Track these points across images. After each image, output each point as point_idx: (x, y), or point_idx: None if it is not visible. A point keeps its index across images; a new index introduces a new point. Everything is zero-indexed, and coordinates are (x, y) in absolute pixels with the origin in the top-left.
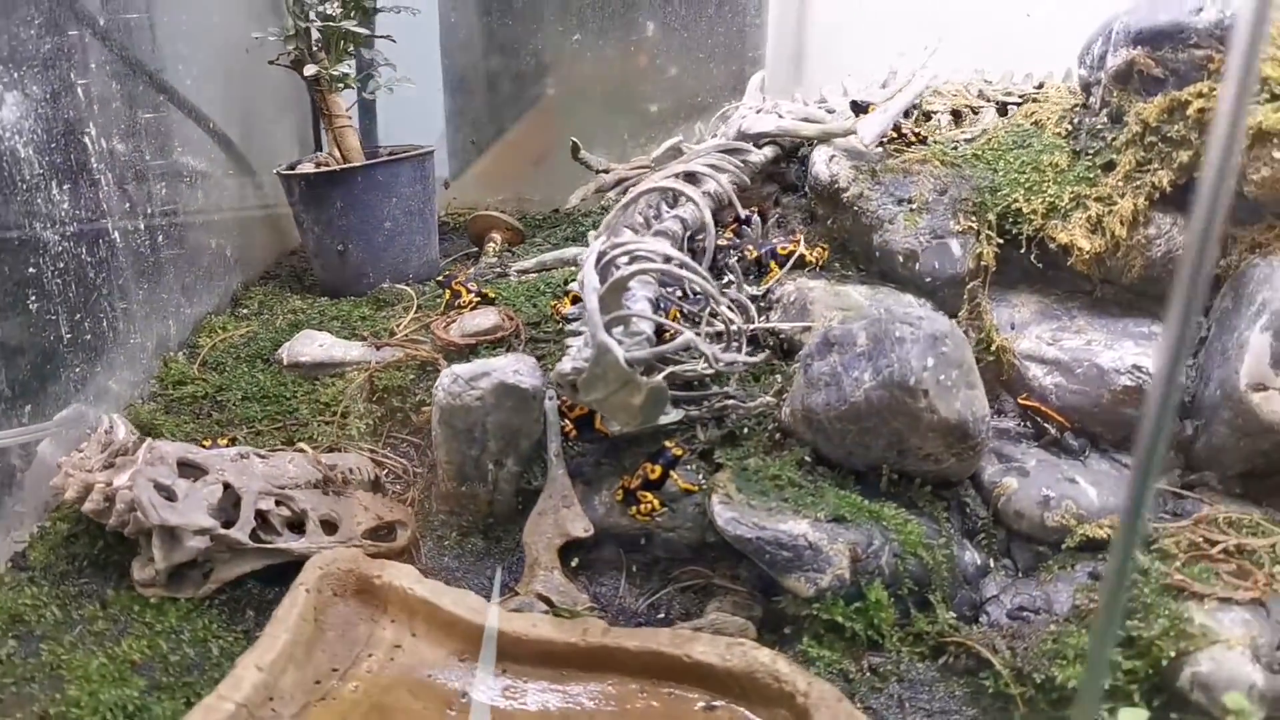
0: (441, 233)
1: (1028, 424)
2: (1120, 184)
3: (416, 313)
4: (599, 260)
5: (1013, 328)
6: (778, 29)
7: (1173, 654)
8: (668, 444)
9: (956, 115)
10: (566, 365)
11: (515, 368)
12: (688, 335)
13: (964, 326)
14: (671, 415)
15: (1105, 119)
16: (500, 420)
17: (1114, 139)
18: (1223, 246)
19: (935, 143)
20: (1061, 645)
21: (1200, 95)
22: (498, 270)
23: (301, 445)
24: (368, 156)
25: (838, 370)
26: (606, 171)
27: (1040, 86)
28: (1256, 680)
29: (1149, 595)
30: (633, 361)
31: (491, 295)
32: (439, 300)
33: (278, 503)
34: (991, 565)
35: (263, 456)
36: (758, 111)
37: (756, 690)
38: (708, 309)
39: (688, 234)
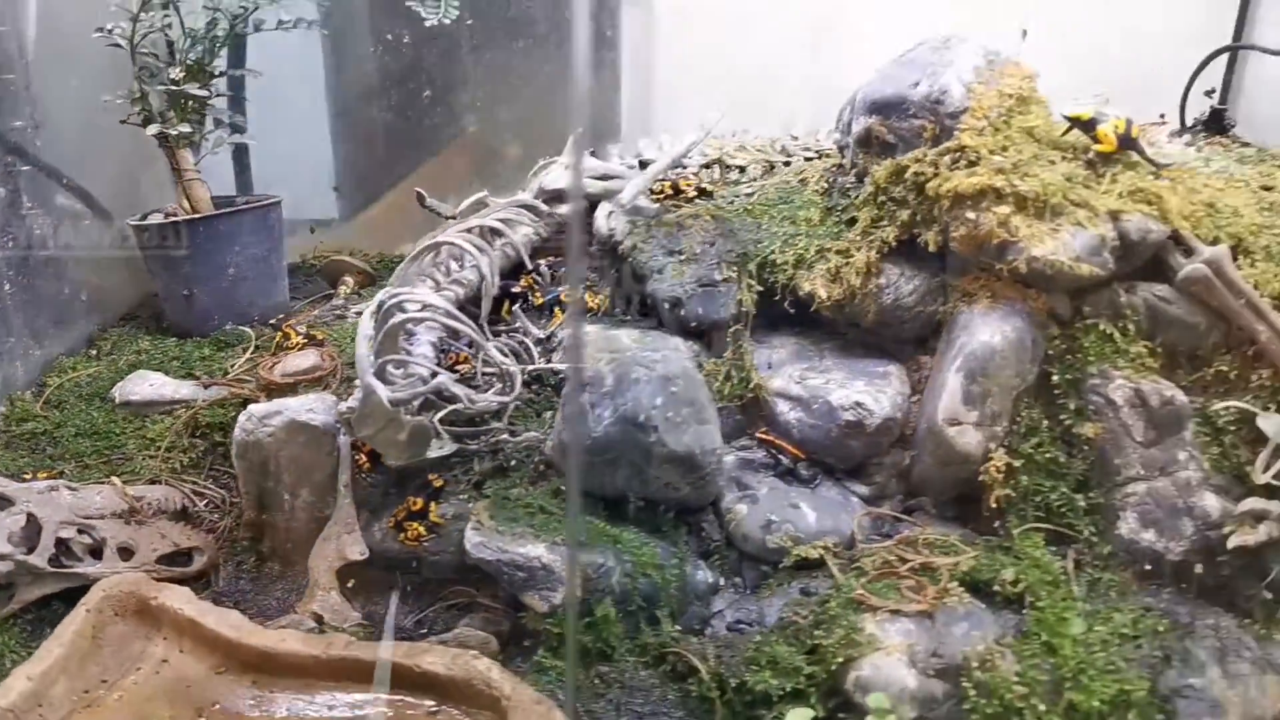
0: (306, 276)
1: (769, 455)
2: (858, 238)
3: (253, 354)
4: (379, 309)
5: (769, 367)
6: (630, 82)
7: (841, 660)
8: (431, 477)
9: (741, 169)
10: (343, 405)
11: (310, 406)
12: (442, 377)
13: (728, 366)
14: (444, 449)
15: (854, 178)
16: (293, 454)
17: (857, 197)
18: (944, 294)
19: (720, 196)
20: (758, 654)
21: (916, 161)
22: (337, 312)
23: (113, 479)
24: (221, 206)
25: (587, 407)
26: (453, 218)
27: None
28: (909, 683)
29: (835, 609)
30: (396, 401)
31: (320, 336)
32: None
33: (79, 531)
34: (722, 584)
35: (72, 489)
36: (566, 167)
37: (474, 695)
38: (480, 353)
39: (485, 282)
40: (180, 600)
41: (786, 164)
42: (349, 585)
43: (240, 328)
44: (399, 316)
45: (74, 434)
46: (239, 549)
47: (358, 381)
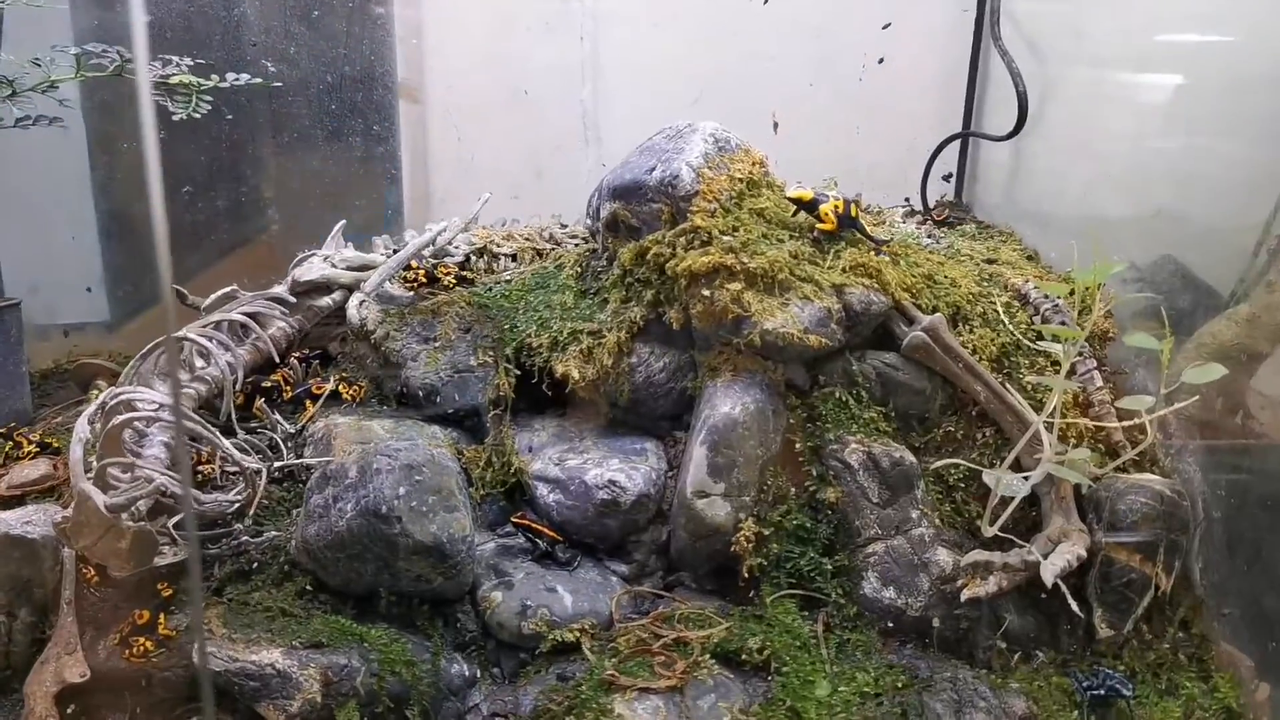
0: (61, 381)
1: (527, 539)
2: (609, 319)
3: None
4: (100, 409)
5: (530, 450)
6: (409, 168)
7: None
8: (160, 586)
9: (512, 257)
10: (58, 514)
11: (28, 518)
12: (163, 479)
13: (489, 451)
14: (178, 555)
15: (605, 261)
16: (9, 571)
17: (608, 280)
18: (694, 370)
19: (481, 284)
20: None
21: (656, 243)
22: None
23: None
24: None
25: (329, 501)
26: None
27: None
28: None
29: (586, 692)
30: (114, 507)
31: (56, 444)
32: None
33: None
34: (479, 675)
35: None
36: (324, 259)
37: None
38: (218, 452)
39: (235, 378)
40: None
41: (554, 251)
42: (69, 711)
43: None
44: (122, 416)
45: None
46: None
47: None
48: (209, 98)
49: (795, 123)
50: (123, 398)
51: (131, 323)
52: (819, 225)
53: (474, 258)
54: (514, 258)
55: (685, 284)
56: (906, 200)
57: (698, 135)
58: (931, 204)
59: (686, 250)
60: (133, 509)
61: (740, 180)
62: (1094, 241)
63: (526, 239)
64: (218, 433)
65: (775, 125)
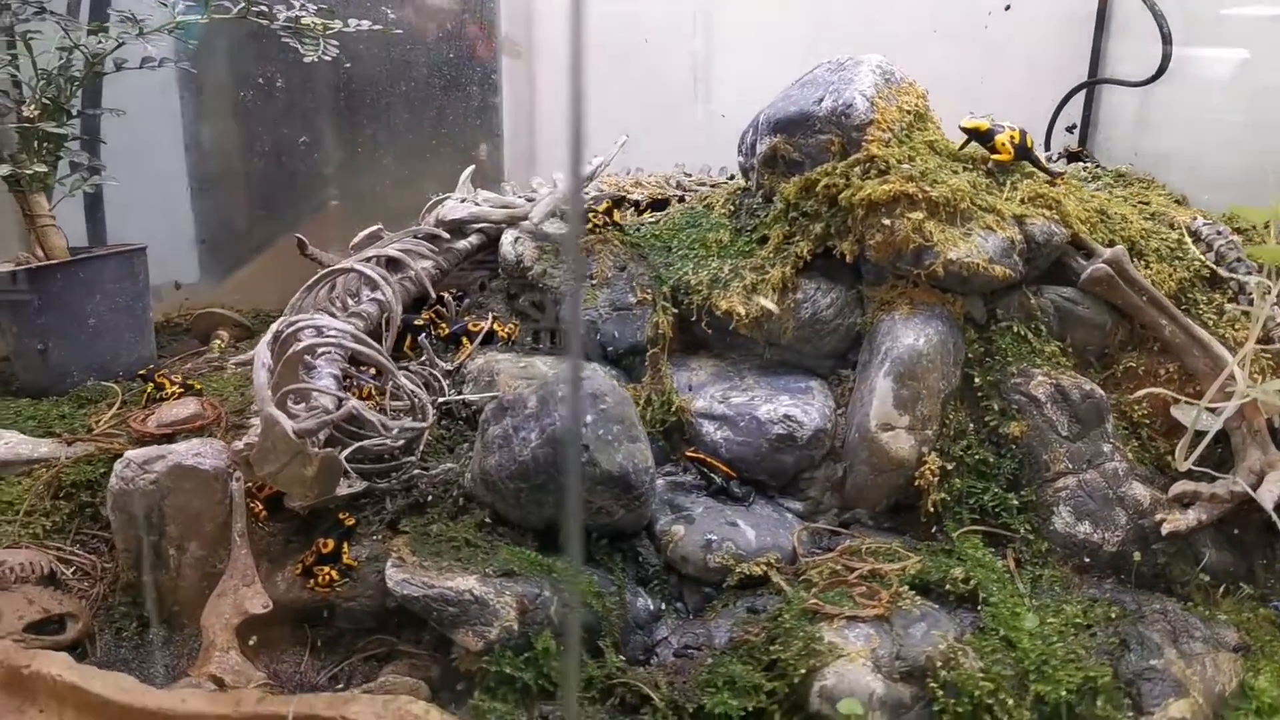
0: (174, 334)
1: (699, 475)
2: (771, 255)
3: (120, 408)
4: (275, 338)
5: (690, 389)
6: (512, 124)
7: (804, 671)
8: (342, 515)
9: (655, 202)
10: (239, 442)
11: (196, 450)
12: (351, 403)
13: (648, 390)
14: (354, 486)
15: (760, 199)
16: (179, 504)
17: (766, 216)
18: (861, 306)
19: (629, 225)
20: (713, 676)
21: (826, 174)
22: (215, 364)
23: None
24: (80, 255)
25: (509, 432)
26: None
27: (732, 178)
28: (876, 688)
29: (789, 621)
30: (302, 432)
31: (198, 386)
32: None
33: None
34: (664, 609)
35: None
36: (461, 201)
37: None
38: (390, 383)
39: (385, 315)
40: (58, 666)
41: (681, 199)
42: (250, 643)
43: (103, 383)
44: (300, 343)
45: None
46: (117, 615)
47: (254, 418)
48: (335, 41)
49: (916, 73)
50: (300, 324)
51: (238, 274)
52: (994, 156)
53: (626, 201)
54: (640, 205)
55: (863, 214)
56: None
57: (864, 67)
58: (1056, 154)
59: (864, 179)
60: (316, 436)
61: (908, 112)
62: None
63: (654, 185)
64: (395, 366)
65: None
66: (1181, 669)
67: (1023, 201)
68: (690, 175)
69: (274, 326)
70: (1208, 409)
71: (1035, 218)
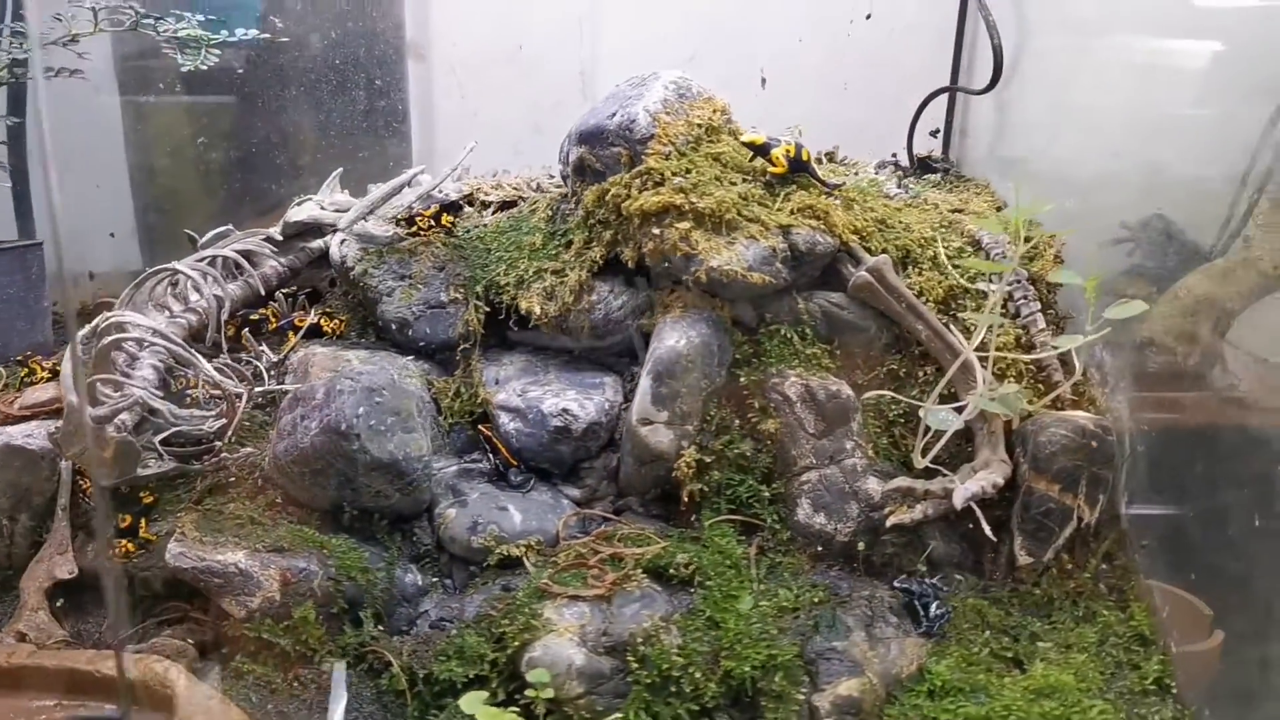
0: (87, 321)
1: (489, 455)
2: (572, 259)
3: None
4: (94, 330)
5: (497, 383)
6: (417, 123)
7: (518, 644)
8: (142, 494)
9: (505, 204)
10: (53, 425)
11: (28, 432)
12: (142, 393)
13: (458, 383)
14: (162, 468)
15: (572, 205)
16: (9, 479)
17: (573, 221)
18: (651, 309)
19: (460, 228)
20: (449, 645)
21: (615, 185)
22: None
23: None
24: None
25: (297, 421)
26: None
27: None
28: (576, 660)
29: (521, 599)
30: (98, 418)
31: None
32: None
33: None
34: (432, 585)
35: None
36: (315, 203)
37: (152, 695)
38: (200, 375)
39: (222, 310)
40: None
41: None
42: (58, 605)
43: None
44: (112, 337)
45: None
46: None
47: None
48: (217, 51)
49: (785, 80)
50: (113, 320)
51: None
52: (770, 169)
53: (464, 205)
54: (502, 206)
55: (638, 223)
56: (894, 156)
57: (659, 82)
58: (917, 160)
59: (640, 191)
60: (116, 421)
61: (699, 125)
62: (1017, 184)
63: (514, 189)
64: (201, 358)
65: (763, 81)
66: (864, 651)
67: (792, 212)
68: (553, 177)
69: (95, 320)
70: (955, 410)
71: (801, 227)
